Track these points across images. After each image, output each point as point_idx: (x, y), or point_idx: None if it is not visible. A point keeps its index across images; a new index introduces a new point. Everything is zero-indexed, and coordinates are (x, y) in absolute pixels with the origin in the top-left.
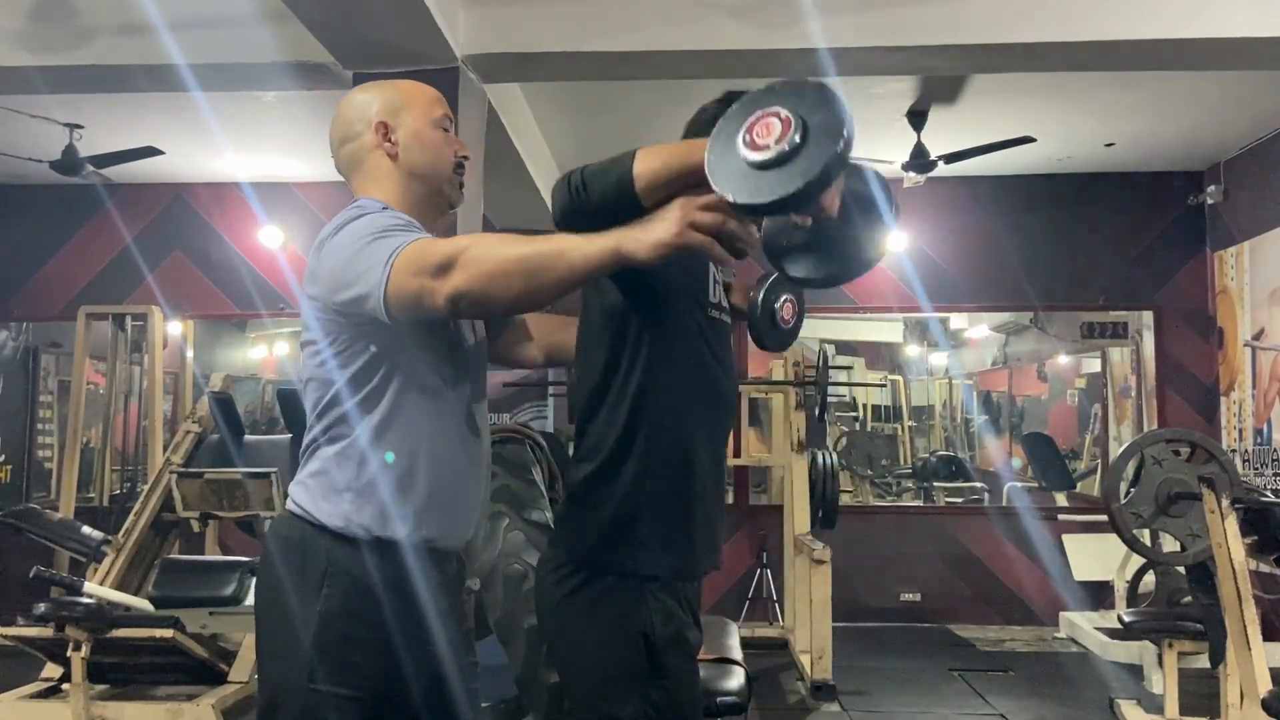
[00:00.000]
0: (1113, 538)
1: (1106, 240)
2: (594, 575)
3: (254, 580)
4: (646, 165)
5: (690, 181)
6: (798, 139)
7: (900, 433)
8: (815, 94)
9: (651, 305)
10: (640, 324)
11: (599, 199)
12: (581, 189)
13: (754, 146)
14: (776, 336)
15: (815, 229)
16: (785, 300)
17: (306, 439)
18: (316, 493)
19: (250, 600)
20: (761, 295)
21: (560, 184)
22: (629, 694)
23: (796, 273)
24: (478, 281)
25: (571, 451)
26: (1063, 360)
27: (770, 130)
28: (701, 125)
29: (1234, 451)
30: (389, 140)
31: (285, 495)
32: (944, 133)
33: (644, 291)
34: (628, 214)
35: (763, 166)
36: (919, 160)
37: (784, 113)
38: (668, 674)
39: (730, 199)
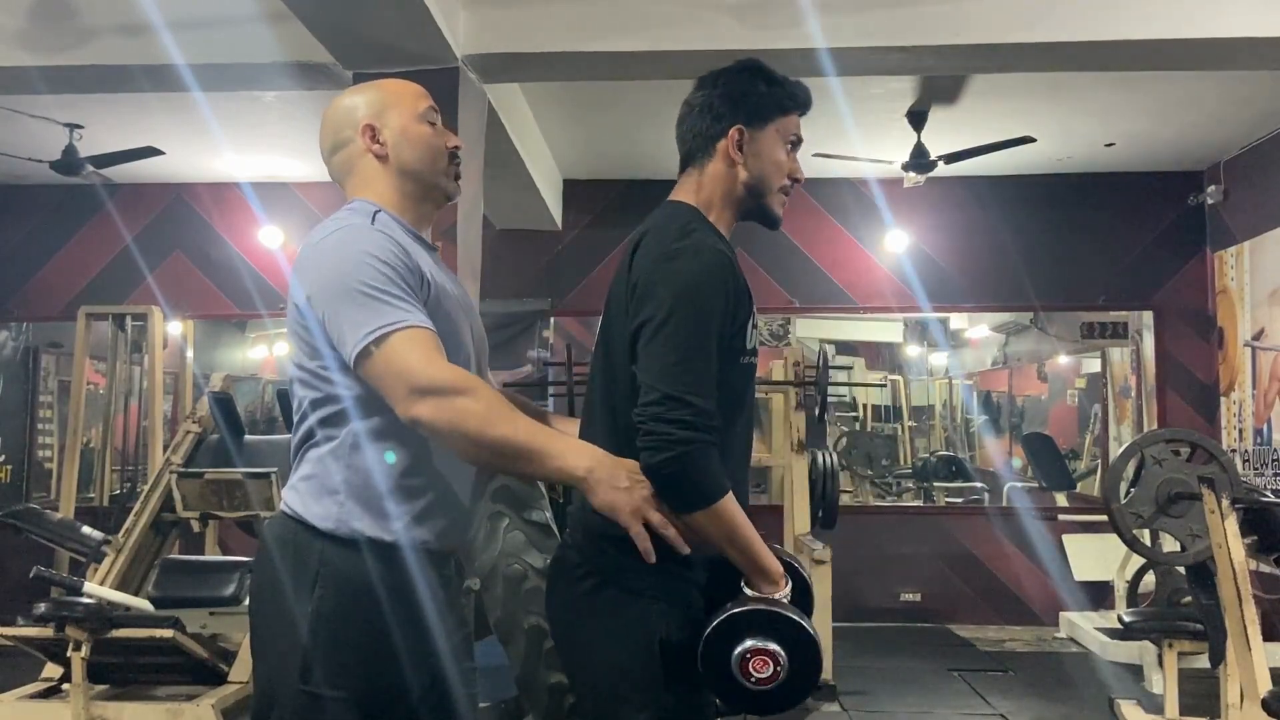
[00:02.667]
0: (1113, 538)
1: (1106, 240)
2: (609, 582)
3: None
4: (715, 527)
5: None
6: (773, 690)
7: (900, 433)
8: (806, 644)
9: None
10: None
11: (665, 499)
12: (661, 487)
13: (744, 672)
14: (746, 699)
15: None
16: (753, 653)
17: (297, 438)
18: (308, 495)
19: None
20: (704, 641)
21: (659, 457)
22: (642, 699)
23: (733, 707)
24: (447, 429)
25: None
26: (1063, 360)
27: (763, 670)
28: (696, 118)
29: (1234, 451)
30: (377, 142)
31: None
32: (944, 133)
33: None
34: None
35: (738, 688)
36: (919, 160)
37: (781, 664)
38: (681, 681)
39: (720, 698)
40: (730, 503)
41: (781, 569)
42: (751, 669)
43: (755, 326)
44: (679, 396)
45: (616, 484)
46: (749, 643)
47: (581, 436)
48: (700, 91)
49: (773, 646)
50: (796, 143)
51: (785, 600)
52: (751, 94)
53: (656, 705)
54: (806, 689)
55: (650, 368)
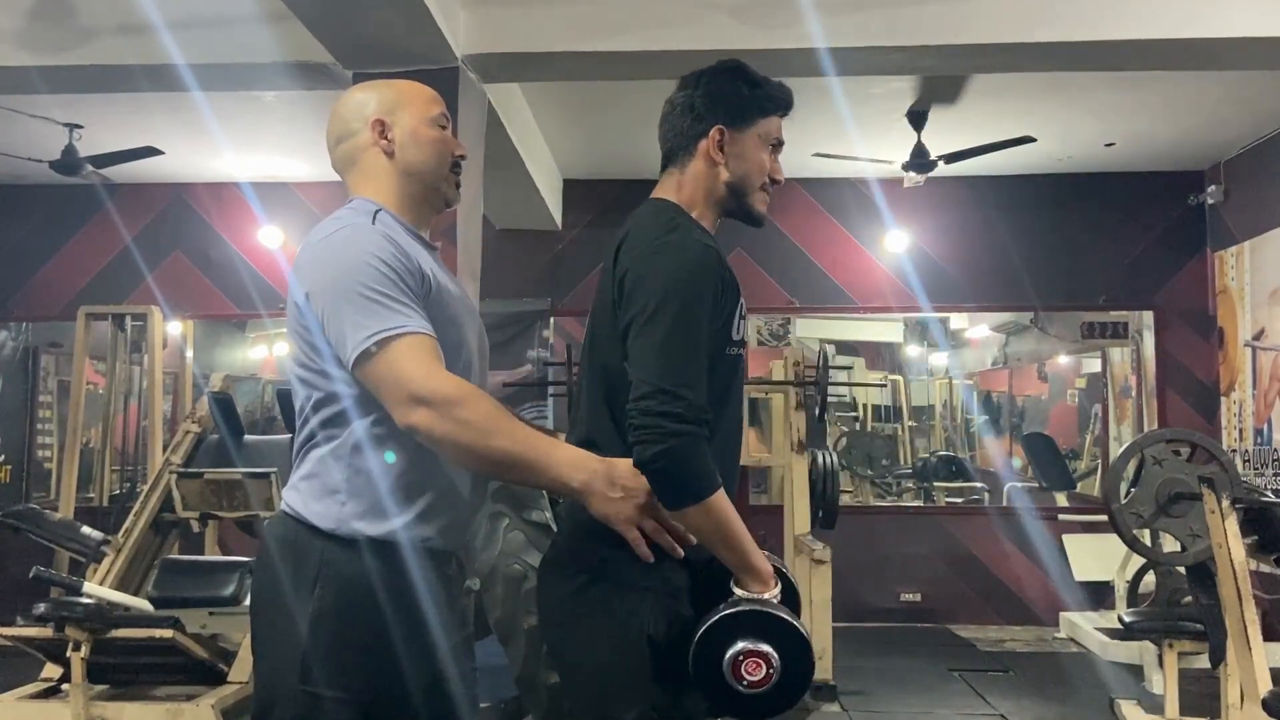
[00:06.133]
0: (1113, 538)
1: (1107, 240)
2: (599, 578)
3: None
4: (706, 523)
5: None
6: (766, 692)
7: (900, 433)
8: (798, 646)
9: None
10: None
11: (656, 494)
12: (653, 482)
13: (736, 674)
14: (737, 703)
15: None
16: (745, 654)
17: (299, 438)
18: (309, 495)
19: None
20: (695, 644)
21: (650, 451)
22: (632, 695)
23: (721, 709)
24: (444, 438)
25: (575, 440)
26: (1063, 360)
27: (755, 672)
28: (677, 117)
29: (1234, 451)
30: (385, 138)
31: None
32: (944, 133)
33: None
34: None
35: (730, 691)
36: (919, 160)
37: (774, 667)
38: (674, 677)
39: (700, 688)
40: (722, 499)
41: (772, 569)
42: (744, 671)
43: (743, 318)
44: (670, 390)
45: (611, 494)
46: (741, 645)
47: (570, 432)
48: (682, 91)
49: (765, 648)
50: (778, 145)
51: (776, 601)
52: (733, 95)
53: (645, 700)
54: (798, 692)
55: (641, 362)
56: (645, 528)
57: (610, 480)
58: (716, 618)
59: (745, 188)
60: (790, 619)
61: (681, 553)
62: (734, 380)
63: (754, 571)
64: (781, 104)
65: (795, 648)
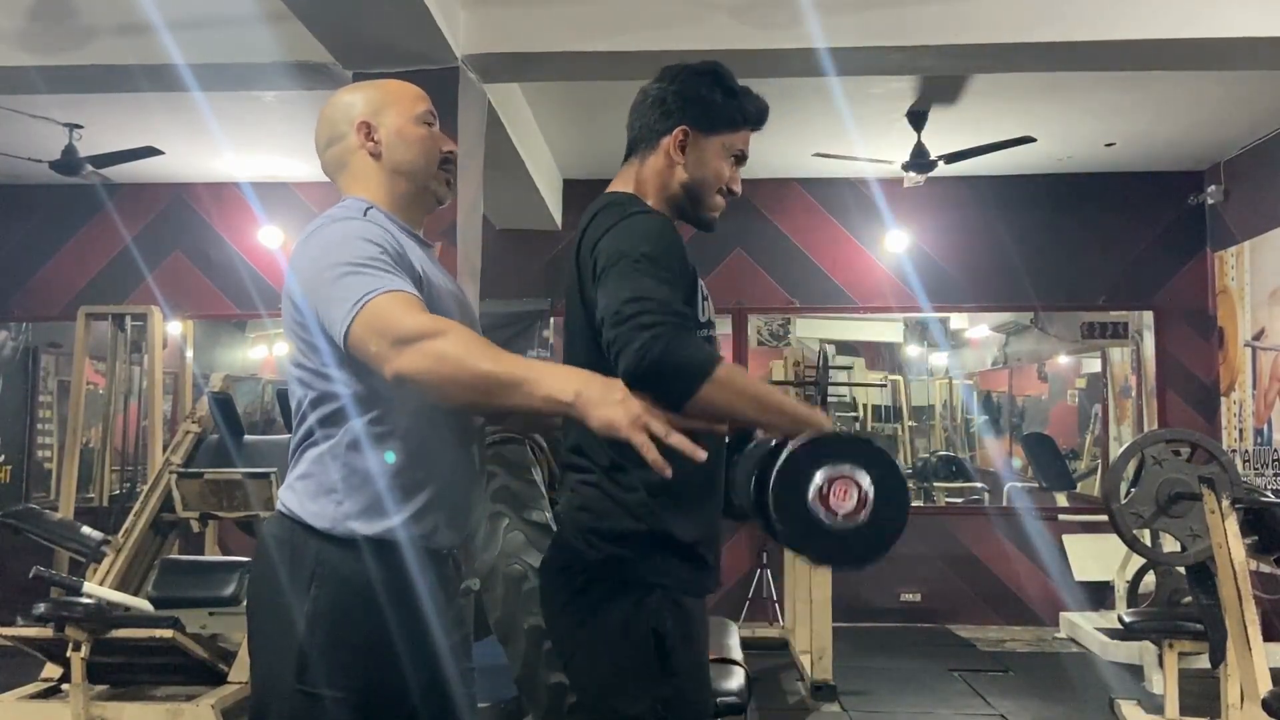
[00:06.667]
0: (1113, 538)
1: (1107, 240)
2: (602, 576)
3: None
4: (716, 398)
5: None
6: (864, 518)
7: (900, 433)
8: (896, 480)
9: None
10: None
11: (654, 389)
12: (651, 379)
13: (825, 505)
14: (824, 545)
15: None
16: (836, 478)
17: (296, 438)
18: (305, 494)
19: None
20: (776, 474)
21: (633, 350)
22: (639, 692)
23: (812, 555)
24: (431, 376)
25: (569, 445)
26: (1063, 360)
27: (847, 499)
28: (647, 109)
29: (1234, 451)
30: (372, 139)
31: None
32: (944, 133)
33: None
34: (672, 409)
35: (824, 528)
36: (919, 160)
37: (865, 488)
38: (678, 672)
39: (789, 544)
40: (732, 369)
41: (822, 411)
42: (833, 500)
43: (706, 299)
44: (637, 297)
45: (610, 399)
46: (828, 469)
47: (565, 437)
48: (658, 84)
49: (855, 471)
50: (741, 156)
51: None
52: (707, 99)
53: (653, 695)
54: (894, 526)
55: (607, 297)
56: (655, 429)
57: (606, 385)
58: (797, 445)
59: (700, 191)
60: (877, 443)
61: (702, 454)
62: None
63: (805, 419)
64: (753, 118)
65: (886, 471)
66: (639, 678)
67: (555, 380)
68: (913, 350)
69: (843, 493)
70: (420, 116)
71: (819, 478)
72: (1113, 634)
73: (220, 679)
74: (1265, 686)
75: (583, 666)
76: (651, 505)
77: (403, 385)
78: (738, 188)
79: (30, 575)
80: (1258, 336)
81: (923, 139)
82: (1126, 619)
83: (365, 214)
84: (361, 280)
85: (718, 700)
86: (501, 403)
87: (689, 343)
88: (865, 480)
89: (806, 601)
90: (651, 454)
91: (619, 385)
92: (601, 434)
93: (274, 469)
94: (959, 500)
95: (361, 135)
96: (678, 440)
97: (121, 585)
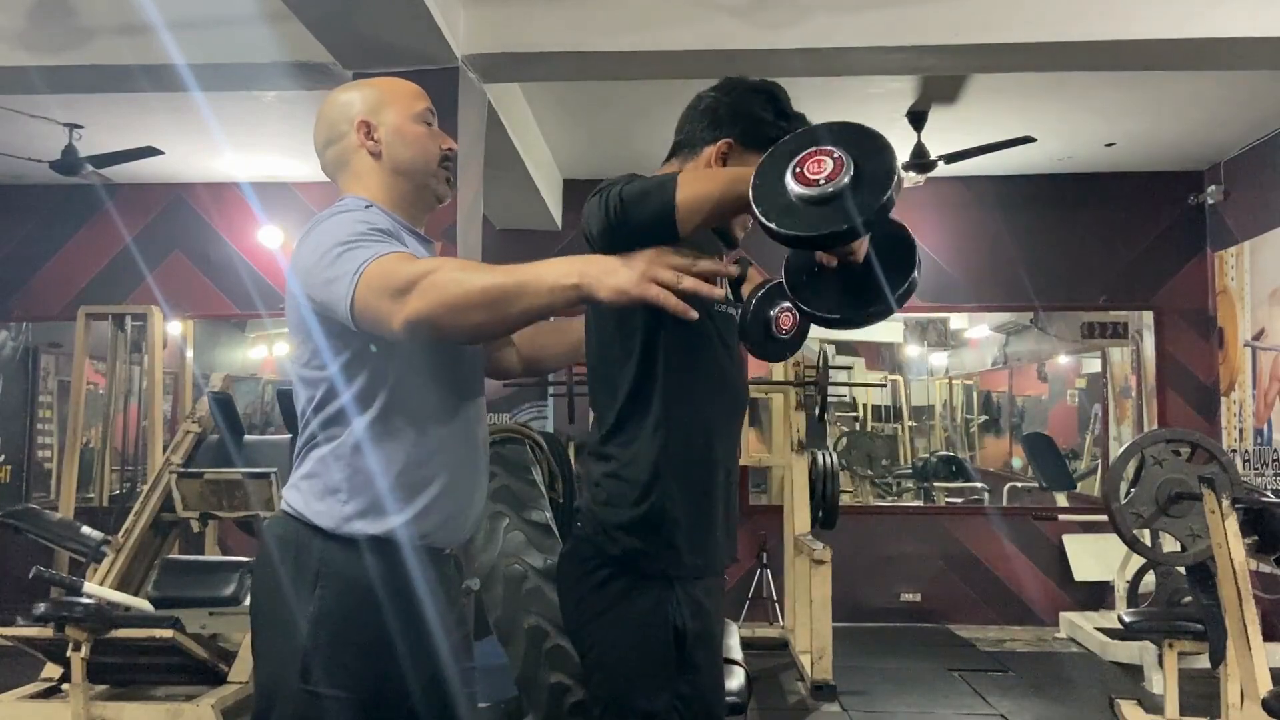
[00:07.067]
0: (1113, 538)
1: (1107, 240)
2: (622, 571)
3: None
4: (689, 196)
5: (729, 213)
6: (846, 181)
7: (900, 433)
8: (870, 141)
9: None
10: (656, 324)
11: (636, 225)
12: (619, 212)
13: (803, 181)
14: (773, 348)
15: (837, 270)
16: (783, 309)
17: (301, 438)
18: (309, 494)
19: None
20: (754, 303)
21: (595, 202)
22: (658, 687)
23: (814, 308)
24: (436, 309)
25: (592, 442)
26: (1063, 360)
27: (821, 168)
28: (698, 116)
29: (1234, 451)
30: (371, 138)
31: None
32: (944, 133)
33: None
34: (665, 241)
35: (809, 201)
36: (919, 160)
37: (838, 153)
38: (696, 668)
39: (772, 227)
40: (684, 173)
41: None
42: (809, 173)
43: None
44: (598, 191)
45: (612, 264)
46: (800, 152)
47: (589, 432)
48: (714, 93)
49: (826, 145)
50: None
51: None
52: (757, 117)
53: (670, 689)
54: (879, 189)
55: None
56: (665, 278)
57: (606, 259)
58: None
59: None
60: (831, 124)
61: (734, 269)
62: (701, 344)
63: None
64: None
65: (862, 137)
66: (657, 673)
67: (556, 270)
68: (913, 350)
69: (816, 166)
70: (419, 114)
71: (791, 162)
72: (1113, 634)
73: (220, 679)
74: (1265, 686)
75: (601, 661)
76: (661, 492)
77: (417, 334)
78: None
79: (30, 575)
80: (1258, 336)
81: (923, 139)
82: (1126, 619)
83: (364, 210)
84: (355, 254)
85: None
86: (513, 311)
87: (644, 180)
88: (837, 149)
89: (806, 601)
90: (671, 301)
91: (617, 258)
92: (615, 305)
93: (274, 469)
94: (959, 500)
95: (361, 134)
96: (692, 284)
97: (122, 585)
